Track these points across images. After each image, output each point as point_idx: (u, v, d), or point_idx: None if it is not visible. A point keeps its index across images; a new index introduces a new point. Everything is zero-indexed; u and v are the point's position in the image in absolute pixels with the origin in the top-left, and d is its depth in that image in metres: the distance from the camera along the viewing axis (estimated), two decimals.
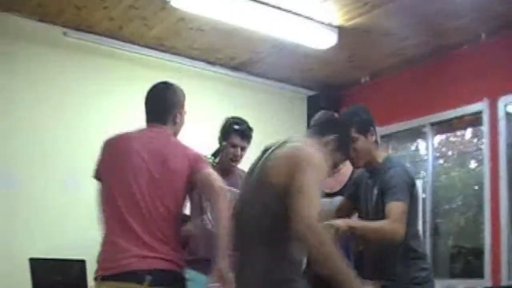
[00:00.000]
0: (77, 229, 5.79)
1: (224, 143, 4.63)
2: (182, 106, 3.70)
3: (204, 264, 4.51)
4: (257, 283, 2.94)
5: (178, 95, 3.70)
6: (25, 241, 5.71)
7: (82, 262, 5.35)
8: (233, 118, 4.70)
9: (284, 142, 3.10)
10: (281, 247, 2.92)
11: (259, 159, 3.16)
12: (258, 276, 2.94)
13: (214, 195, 3.20)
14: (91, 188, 5.76)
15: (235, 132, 4.60)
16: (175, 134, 3.63)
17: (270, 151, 3.10)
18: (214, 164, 4.38)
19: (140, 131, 3.55)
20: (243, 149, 4.60)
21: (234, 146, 4.59)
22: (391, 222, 3.44)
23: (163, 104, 3.62)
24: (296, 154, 2.97)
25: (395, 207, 3.44)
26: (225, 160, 4.64)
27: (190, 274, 4.53)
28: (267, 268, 2.91)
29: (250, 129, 4.68)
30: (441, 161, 6.76)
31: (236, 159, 4.62)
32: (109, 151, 3.56)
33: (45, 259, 5.42)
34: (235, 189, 4.31)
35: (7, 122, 5.93)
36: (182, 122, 3.70)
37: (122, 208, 3.23)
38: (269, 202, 2.94)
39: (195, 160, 3.36)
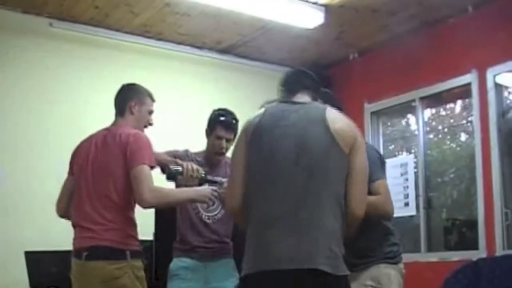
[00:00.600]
0: None
1: (210, 135, 4.62)
2: (139, 100, 4.08)
3: (199, 252, 4.57)
4: None
5: (135, 90, 4.15)
6: (19, 234, 5.71)
7: None
8: (219, 110, 4.67)
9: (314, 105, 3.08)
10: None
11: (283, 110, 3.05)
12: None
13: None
14: None
15: (220, 123, 4.58)
16: (136, 125, 3.99)
17: (310, 107, 3.03)
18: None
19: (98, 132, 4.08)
20: (228, 140, 4.57)
21: (219, 138, 4.56)
22: (384, 198, 3.55)
23: (120, 99, 4.13)
24: (356, 132, 2.95)
25: (384, 185, 3.56)
26: (211, 151, 4.63)
27: (185, 262, 4.58)
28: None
29: (235, 121, 4.63)
30: (431, 135, 6.78)
31: (222, 151, 4.59)
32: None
33: (40, 251, 5.40)
34: (219, 178, 4.38)
35: None
36: (142, 115, 4.06)
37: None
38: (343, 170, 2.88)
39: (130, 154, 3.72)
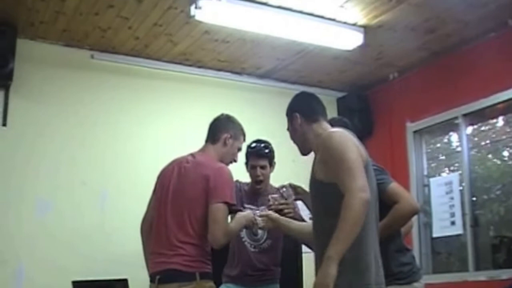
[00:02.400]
0: (117, 247, 5.87)
1: (247, 166, 4.77)
2: (235, 134, 4.15)
3: (245, 279, 4.60)
4: None
5: (233, 124, 4.23)
6: (67, 264, 5.75)
7: (125, 281, 5.42)
8: (252, 141, 4.76)
9: None
10: None
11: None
12: None
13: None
14: (126, 206, 5.88)
15: (251, 153, 4.72)
16: (223, 158, 4.06)
17: None
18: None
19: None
20: (263, 167, 4.68)
21: (254, 167, 4.69)
22: (408, 199, 3.71)
23: (216, 127, 4.17)
24: None
25: (397, 186, 3.71)
26: (252, 182, 4.75)
27: (228, 287, 4.63)
28: None
29: (265, 147, 4.74)
30: (474, 151, 6.70)
31: (259, 179, 4.69)
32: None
33: (87, 281, 5.45)
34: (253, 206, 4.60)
35: (35, 147, 6.00)
36: (233, 150, 4.13)
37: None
38: None
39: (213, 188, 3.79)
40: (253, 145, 4.76)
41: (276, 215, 3.97)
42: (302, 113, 3.44)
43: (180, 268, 3.71)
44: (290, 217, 4.07)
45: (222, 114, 4.28)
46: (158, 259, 3.83)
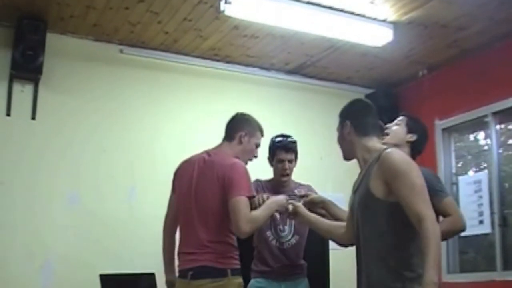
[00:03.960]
0: (145, 242, 5.84)
1: (273, 161, 4.81)
2: (250, 132, 4.19)
3: (275, 273, 4.63)
4: None
5: (248, 121, 4.26)
6: (94, 257, 5.80)
7: (152, 275, 5.43)
8: (276, 136, 4.84)
9: None
10: None
11: None
12: None
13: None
14: (153, 200, 5.90)
15: (278, 147, 4.77)
16: (240, 155, 4.10)
17: None
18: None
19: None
20: (290, 161, 4.76)
21: (281, 161, 4.75)
22: (461, 214, 3.90)
23: (232, 126, 4.24)
24: None
25: (453, 200, 3.92)
26: (277, 176, 4.81)
27: (262, 282, 4.67)
28: None
29: (292, 142, 4.82)
30: (502, 150, 6.63)
31: (285, 173, 4.77)
32: None
33: (115, 274, 5.49)
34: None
35: (69, 142, 6.05)
36: (250, 146, 4.18)
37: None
38: None
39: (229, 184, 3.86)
40: (279, 139, 4.83)
41: (305, 211, 3.95)
42: (353, 123, 3.41)
43: (212, 265, 3.79)
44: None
45: (237, 113, 4.33)
46: (189, 257, 3.90)
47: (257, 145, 4.25)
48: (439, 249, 2.92)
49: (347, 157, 3.53)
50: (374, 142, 3.37)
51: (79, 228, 5.89)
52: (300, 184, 4.90)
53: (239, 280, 3.86)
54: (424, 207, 2.96)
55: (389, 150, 3.22)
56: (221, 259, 3.82)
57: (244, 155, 4.16)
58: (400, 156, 3.16)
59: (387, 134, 4.13)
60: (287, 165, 4.75)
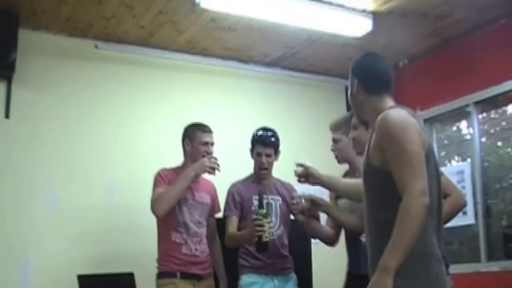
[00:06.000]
0: (123, 242, 5.78)
1: (253, 154, 4.86)
2: (189, 137, 4.91)
3: (267, 268, 4.61)
4: None
5: (185, 131, 4.97)
6: (72, 257, 5.68)
7: (131, 275, 5.31)
8: (258, 129, 4.87)
9: None
10: None
11: None
12: None
13: None
14: (132, 199, 5.81)
15: (256, 141, 4.81)
16: (194, 160, 4.81)
17: None
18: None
19: None
20: (268, 156, 4.77)
21: (259, 154, 4.79)
22: (459, 191, 3.90)
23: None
24: None
25: (448, 178, 3.78)
26: (256, 170, 4.85)
27: (254, 278, 4.65)
28: None
29: (272, 136, 4.81)
30: (484, 139, 6.57)
31: (263, 166, 4.79)
32: None
33: (93, 275, 5.39)
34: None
35: (44, 140, 5.90)
36: (194, 150, 4.86)
37: None
38: None
39: None
40: (260, 133, 4.85)
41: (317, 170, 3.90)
42: (362, 81, 3.13)
43: None
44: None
45: None
46: None
47: (204, 143, 4.81)
48: (412, 231, 2.61)
49: (359, 119, 3.40)
50: (384, 102, 3.07)
51: (57, 227, 5.75)
52: (279, 180, 4.97)
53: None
54: (409, 178, 2.67)
55: (386, 111, 2.94)
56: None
57: (196, 158, 4.78)
58: (395, 118, 2.86)
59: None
60: (264, 159, 4.77)
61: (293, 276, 4.84)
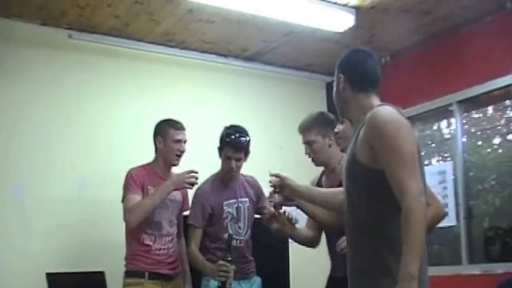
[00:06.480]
0: (94, 237, 5.63)
1: (221, 154, 4.68)
2: (162, 134, 4.79)
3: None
4: None
5: (157, 127, 4.86)
6: (41, 254, 5.50)
7: (101, 273, 5.18)
8: (229, 128, 4.66)
9: None
10: None
11: None
12: None
13: None
14: (104, 194, 5.65)
15: (228, 144, 4.59)
16: (166, 157, 4.78)
17: None
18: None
19: None
20: (238, 160, 4.61)
21: (229, 158, 4.60)
22: (439, 201, 3.65)
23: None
24: None
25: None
26: (224, 171, 4.71)
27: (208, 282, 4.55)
28: None
29: (245, 140, 4.62)
30: (466, 139, 6.46)
31: (232, 171, 4.64)
32: None
33: (62, 273, 5.24)
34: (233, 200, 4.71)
35: (13, 131, 5.71)
36: (167, 147, 4.75)
37: None
38: None
39: None
40: (232, 136, 4.61)
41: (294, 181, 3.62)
42: (349, 78, 3.06)
43: None
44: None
45: None
46: None
47: (176, 141, 4.71)
48: (422, 232, 2.56)
49: (342, 115, 3.25)
50: (371, 100, 3.01)
51: (25, 223, 5.56)
52: (243, 176, 4.86)
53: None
54: (407, 179, 2.62)
55: (377, 108, 2.87)
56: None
57: (168, 156, 4.74)
58: (387, 115, 2.80)
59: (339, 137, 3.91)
60: (233, 163, 4.61)
61: (257, 279, 4.79)
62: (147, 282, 4.55)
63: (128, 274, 4.65)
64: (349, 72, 3.08)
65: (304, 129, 4.15)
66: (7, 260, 5.40)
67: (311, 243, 4.09)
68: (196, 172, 4.60)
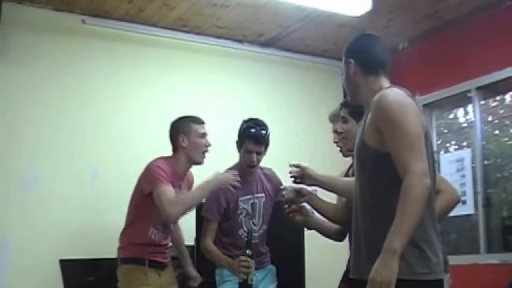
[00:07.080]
0: (107, 226, 5.51)
1: (241, 148, 4.57)
2: (184, 131, 4.54)
3: None
4: None
5: (177, 126, 4.60)
6: (55, 241, 5.49)
7: (114, 260, 5.13)
8: (248, 121, 4.57)
9: None
10: None
11: None
12: None
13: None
14: (116, 181, 5.60)
15: (249, 137, 4.50)
16: (192, 156, 4.54)
17: None
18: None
19: None
20: (259, 153, 4.52)
21: (249, 152, 4.50)
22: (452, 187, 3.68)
23: (171, 138, 4.62)
24: None
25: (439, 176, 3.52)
26: (243, 164, 4.58)
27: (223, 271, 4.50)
28: None
29: (266, 133, 4.53)
30: (486, 127, 6.36)
31: (253, 164, 4.54)
32: None
33: (75, 259, 5.27)
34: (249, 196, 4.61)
35: (26, 117, 5.68)
36: (193, 144, 4.52)
37: None
38: None
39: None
40: (252, 130, 4.51)
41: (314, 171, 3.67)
42: (358, 61, 3.07)
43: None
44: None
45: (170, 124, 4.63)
46: None
47: (201, 135, 4.53)
48: (417, 211, 2.57)
49: (353, 102, 3.22)
50: (381, 82, 3.02)
51: (37, 211, 5.53)
52: (261, 168, 4.75)
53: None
54: (410, 160, 2.62)
55: (384, 91, 2.88)
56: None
57: (194, 154, 4.51)
58: (393, 97, 2.81)
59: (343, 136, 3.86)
60: (255, 157, 4.51)
61: (272, 267, 4.73)
62: (148, 270, 4.44)
63: (128, 260, 4.50)
64: (358, 56, 3.09)
65: (335, 117, 4.06)
66: (20, 245, 5.40)
67: (337, 235, 4.00)
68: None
